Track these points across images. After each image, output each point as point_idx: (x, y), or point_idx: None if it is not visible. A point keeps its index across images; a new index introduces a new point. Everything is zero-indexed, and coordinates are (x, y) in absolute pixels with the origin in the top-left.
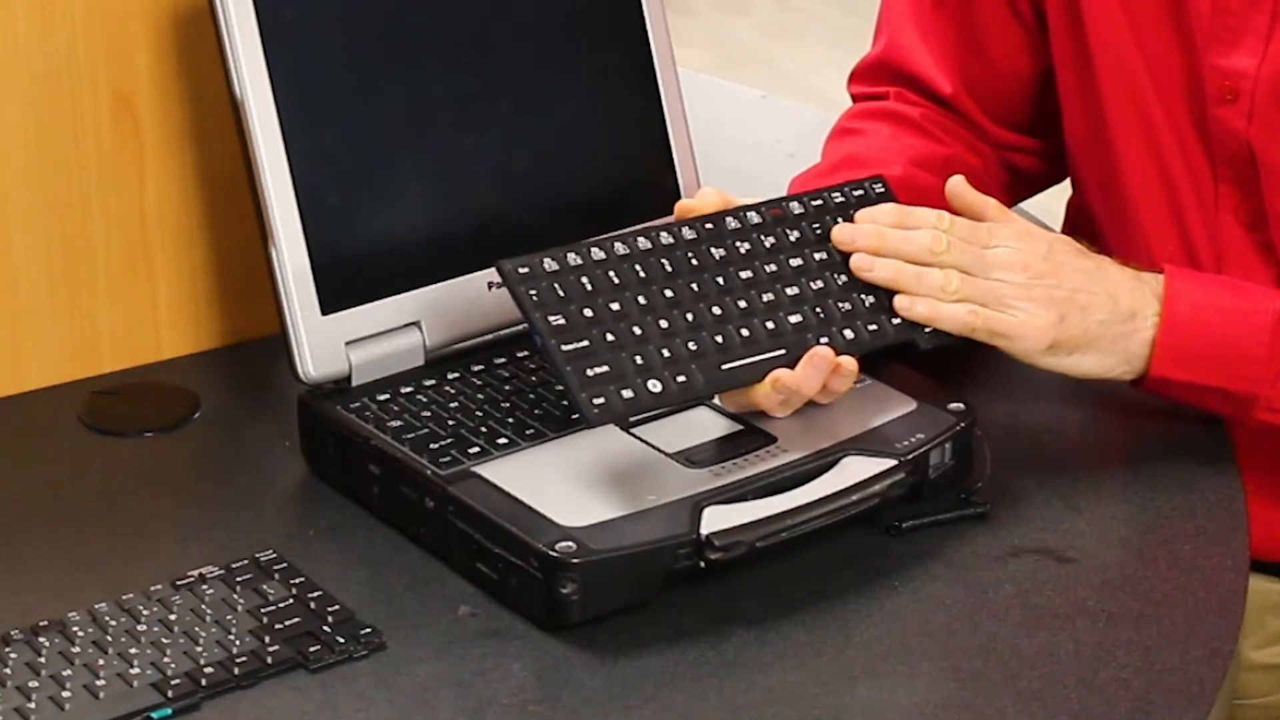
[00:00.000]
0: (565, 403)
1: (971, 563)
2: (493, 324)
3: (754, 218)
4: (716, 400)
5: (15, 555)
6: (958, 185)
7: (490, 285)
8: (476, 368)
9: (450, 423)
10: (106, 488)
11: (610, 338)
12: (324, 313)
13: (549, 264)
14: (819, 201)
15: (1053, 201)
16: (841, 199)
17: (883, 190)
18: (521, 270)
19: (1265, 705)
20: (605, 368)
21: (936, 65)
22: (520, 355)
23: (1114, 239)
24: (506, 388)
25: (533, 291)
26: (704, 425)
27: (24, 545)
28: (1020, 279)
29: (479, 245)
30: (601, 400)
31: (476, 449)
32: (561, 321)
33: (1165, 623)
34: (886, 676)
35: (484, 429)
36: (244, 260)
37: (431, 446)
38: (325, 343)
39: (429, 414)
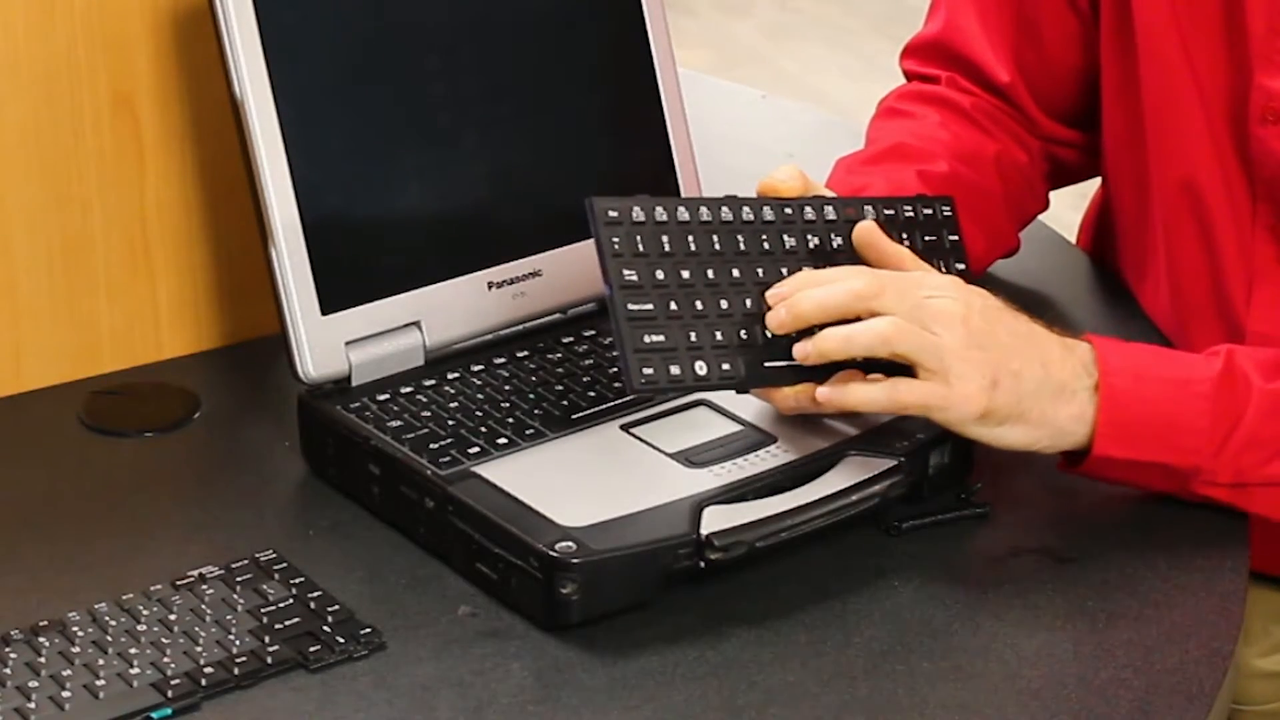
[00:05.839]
0: (565, 403)
1: (971, 563)
2: (493, 324)
3: (830, 213)
4: (715, 398)
5: (15, 555)
6: (868, 232)
7: (490, 285)
8: (476, 368)
9: (450, 423)
10: (106, 488)
11: (673, 307)
12: (324, 313)
13: (637, 212)
14: (890, 211)
15: (1058, 208)
16: (911, 213)
17: (949, 214)
18: (611, 213)
19: (1268, 713)
20: (661, 338)
21: (994, 52)
22: (520, 355)
23: (1134, 244)
24: (506, 388)
25: (615, 239)
26: (704, 425)
27: (24, 545)
28: (959, 335)
29: (479, 245)
30: (650, 371)
31: (476, 449)
32: (634, 278)
33: (1165, 623)
34: (886, 676)
35: (484, 429)
36: (244, 260)
37: (431, 446)
38: (325, 343)
39: (429, 414)
